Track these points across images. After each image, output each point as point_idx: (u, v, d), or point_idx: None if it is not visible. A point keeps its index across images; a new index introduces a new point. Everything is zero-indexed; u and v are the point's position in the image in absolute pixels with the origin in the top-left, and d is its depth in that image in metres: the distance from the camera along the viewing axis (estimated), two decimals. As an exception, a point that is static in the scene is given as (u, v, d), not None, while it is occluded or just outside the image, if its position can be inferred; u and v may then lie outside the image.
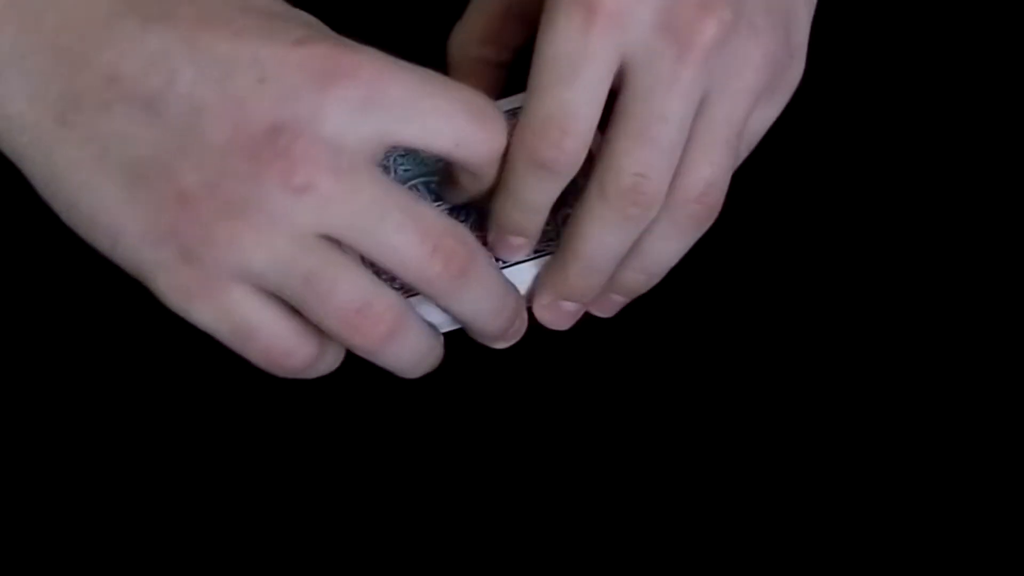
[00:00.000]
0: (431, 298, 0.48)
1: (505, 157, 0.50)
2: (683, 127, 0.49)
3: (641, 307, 0.54)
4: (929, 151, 0.60)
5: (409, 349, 0.49)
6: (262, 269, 0.46)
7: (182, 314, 0.47)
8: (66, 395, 0.55)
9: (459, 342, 0.53)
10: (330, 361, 0.50)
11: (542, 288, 0.53)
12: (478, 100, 0.48)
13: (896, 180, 0.60)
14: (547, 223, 0.53)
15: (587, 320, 0.54)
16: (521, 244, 0.53)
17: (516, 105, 0.54)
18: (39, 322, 0.56)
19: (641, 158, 0.49)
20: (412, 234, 0.47)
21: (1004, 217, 0.59)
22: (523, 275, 0.54)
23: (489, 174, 0.50)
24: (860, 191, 0.59)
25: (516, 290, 0.52)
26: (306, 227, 0.46)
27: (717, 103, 0.50)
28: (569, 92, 0.49)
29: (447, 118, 0.47)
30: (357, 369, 0.50)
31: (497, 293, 0.50)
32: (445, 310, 0.50)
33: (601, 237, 0.51)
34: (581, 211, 0.51)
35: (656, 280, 0.53)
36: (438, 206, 0.54)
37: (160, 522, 0.53)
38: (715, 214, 0.51)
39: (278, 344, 0.47)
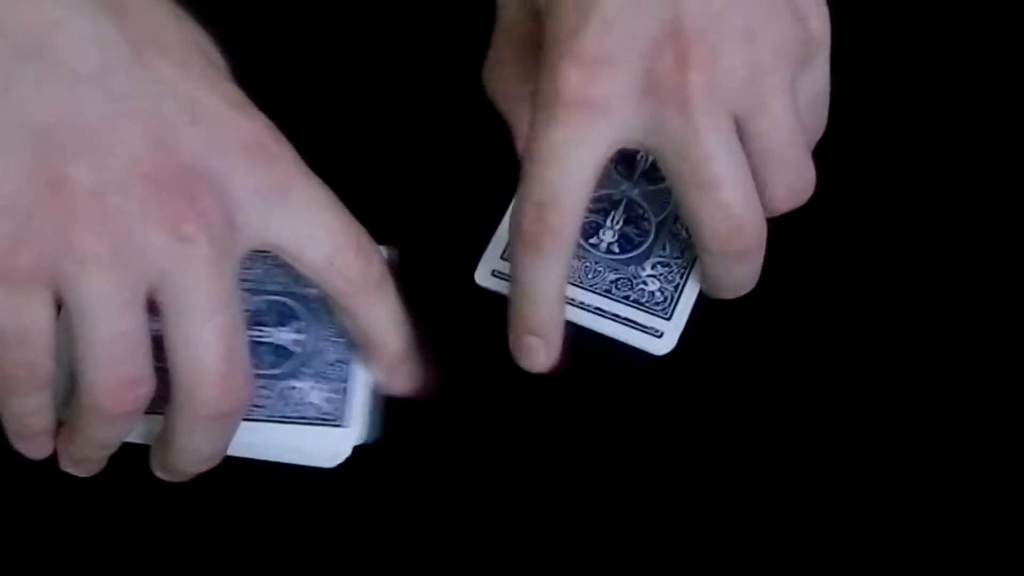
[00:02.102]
0: (179, 414, 0.47)
1: None
2: (732, 154, 0.50)
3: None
4: (928, 160, 0.61)
5: (118, 435, 0.48)
6: (85, 295, 0.45)
7: None
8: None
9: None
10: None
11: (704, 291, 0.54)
12: (362, 232, 0.49)
13: (897, 188, 0.60)
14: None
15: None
16: (537, 345, 0.52)
17: None
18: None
19: (722, 203, 0.50)
20: (220, 349, 0.46)
21: (1005, 224, 0.60)
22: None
23: (361, 311, 0.50)
24: (859, 197, 0.60)
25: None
26: (151, 276, 0.45)
27: (754, 118, 0.50)
28: (551, 173, 0.49)
29: (330, 234, 0.48)
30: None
31: (218, 448, 0.49)
32: (172, 430, 0.48)
33: (737, 276, 0.52)
34: (707, 272, 0.52)
35: None
36: None
37: (156, 523, 0.53)
38: (808, 196, 0.52)
39: (31, 360, 0.46)
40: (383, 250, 0.52)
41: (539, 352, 0.52)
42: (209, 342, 0.46)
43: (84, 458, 0.50)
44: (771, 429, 0.55)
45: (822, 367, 0.56)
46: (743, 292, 0.53)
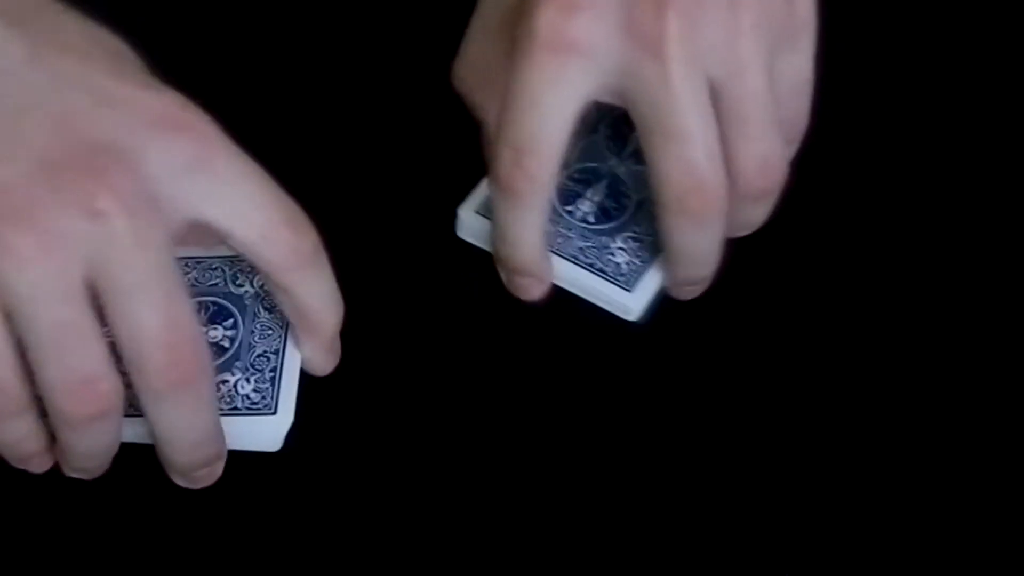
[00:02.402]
0: (138, 393, 0.47)
1: None
2: (703, 111, 0.49)
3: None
4: (929, 160, 0.60)
5: (103, 440, 0.48)
6: (19, 292, 0.44)
7: None
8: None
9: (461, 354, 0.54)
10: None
11: (669, 287, 0.54)
12: (292, 205, 0.48)
13: (897, 188, 0.60)
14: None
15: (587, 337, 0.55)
16: (527, 282, 0.53)
17: None
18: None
19: (686, 156, 0.49)
20: (159, 320, 0.45)
21: (1003, 226, 0.59)
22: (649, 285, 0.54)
23: (294, 286, 0.49)
24: (858, 201, 0.59)
25: (222, 440, 0.50)
26: (79, 258, 0.45)
27: (728, 82, 0.50)
28: (529, 118, 0.50)
29: (260, 208, 0.48)
30: (358, 376, 0.51)
31: (201, 426, 0.48)
32: (147, 416, 0.48)
33: (693, 245, 0.51)
34: (665, 236, 0.51)
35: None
36: None
37: (155, 524, 0.53)
38: (780, 184, 0.51)
39: None
40: None
41: (531, 287, 0.54)
42: (144, 315, 0.45)
43: (80, 467, 0.50)
44: (737, 411, 0.55)
45: (794, 354, 0.56)
46: (701, 272, 0.53)
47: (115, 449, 0.49)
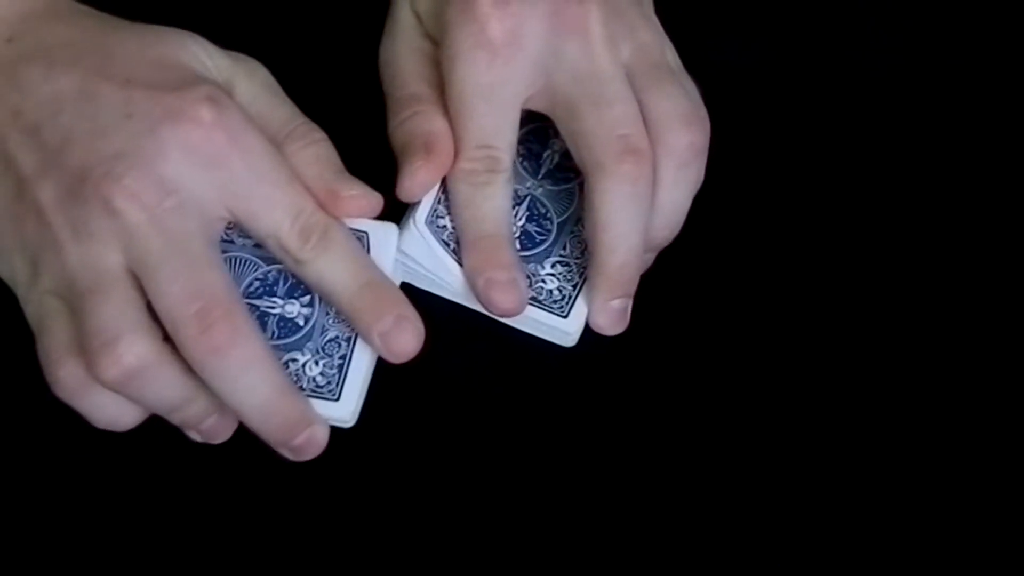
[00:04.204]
0: (190, 363, 0.49)
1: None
2: (623, 76, 0.53)
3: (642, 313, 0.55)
4: (926, 152, 0.61)
5: (152, 396, 0.50)
6: (64, 274, 0.50)
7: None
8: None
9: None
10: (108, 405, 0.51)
11: (591, 294, 0.54)
12: (301, 200, 0.52)
13: (896, 183, 0.61)
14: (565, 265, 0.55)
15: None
16: (507, 280, 0.53)
17: None
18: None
19: (614, 118, 0.52)
20: (182, 289, 0.49)
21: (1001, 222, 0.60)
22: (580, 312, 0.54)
23: (306, 278, 0.52)
24: (855, 200, 0.61)
25: (301, 399, 0.51)
26: (112, 249, 0.49)
27: (633, 49, 0.54)
28: (491, 118, 0.54)
29: (269, 209, 0.51)
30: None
31: (260, 388, 0.50)
32: (211, 388, 0.50)
33: (622, 213, 0.52)
34: (594, 205, 0.53)
35: (678, 230, 0.55)
36: None
37: (158, 526, 0.54)
38: (707, 138, 0.54)
39: (55, 347, 0.50)
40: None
41: (512, 288, 0.54)
42: (169, 291, 0.49)
43: (183, 423, 0.52)
44: (767, 436, 0.56)
45: (814, 369, 0.57)
46: (629, 263, 0.53)
47: (194, 396, 0.51)
